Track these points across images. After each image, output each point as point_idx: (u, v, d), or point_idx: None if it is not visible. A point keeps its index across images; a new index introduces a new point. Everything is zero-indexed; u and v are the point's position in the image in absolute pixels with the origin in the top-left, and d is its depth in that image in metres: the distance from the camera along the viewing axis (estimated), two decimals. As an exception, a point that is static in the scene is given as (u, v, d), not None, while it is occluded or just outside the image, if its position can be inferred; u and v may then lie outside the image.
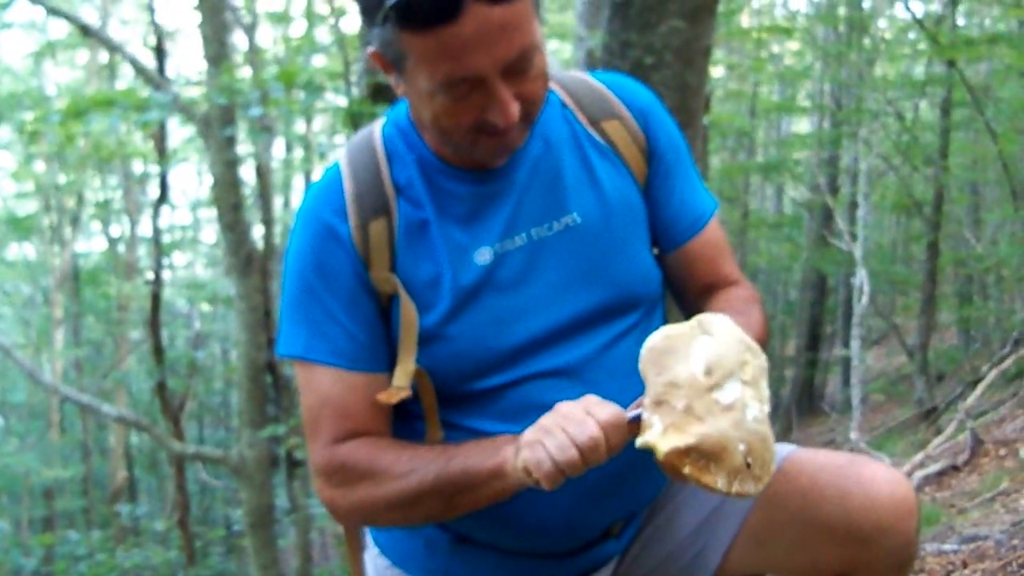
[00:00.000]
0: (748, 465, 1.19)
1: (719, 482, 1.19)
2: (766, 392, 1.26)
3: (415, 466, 1.35)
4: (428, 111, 1.30)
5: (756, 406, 1.22)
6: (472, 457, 1.32)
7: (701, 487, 1.20)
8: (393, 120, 1.47)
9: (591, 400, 1.27)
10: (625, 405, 1.29)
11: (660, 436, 1.19)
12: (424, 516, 1.40)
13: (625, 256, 1.47)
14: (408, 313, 1.39)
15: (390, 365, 1.42)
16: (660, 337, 1.25)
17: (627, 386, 1.39)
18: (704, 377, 1.20)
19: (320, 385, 1.41)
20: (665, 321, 1.55)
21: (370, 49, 1.32)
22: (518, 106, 1.28)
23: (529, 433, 1.26)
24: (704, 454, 1.18)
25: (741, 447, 1.19)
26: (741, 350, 1.25)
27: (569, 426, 1.23)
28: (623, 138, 1.49)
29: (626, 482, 1.42)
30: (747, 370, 1.24)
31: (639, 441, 1.21)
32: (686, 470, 1.18)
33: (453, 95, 1.26)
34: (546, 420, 1.26)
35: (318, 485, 1.44)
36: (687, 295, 1.58)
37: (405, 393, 1.39)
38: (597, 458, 1.23)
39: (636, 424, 1.24)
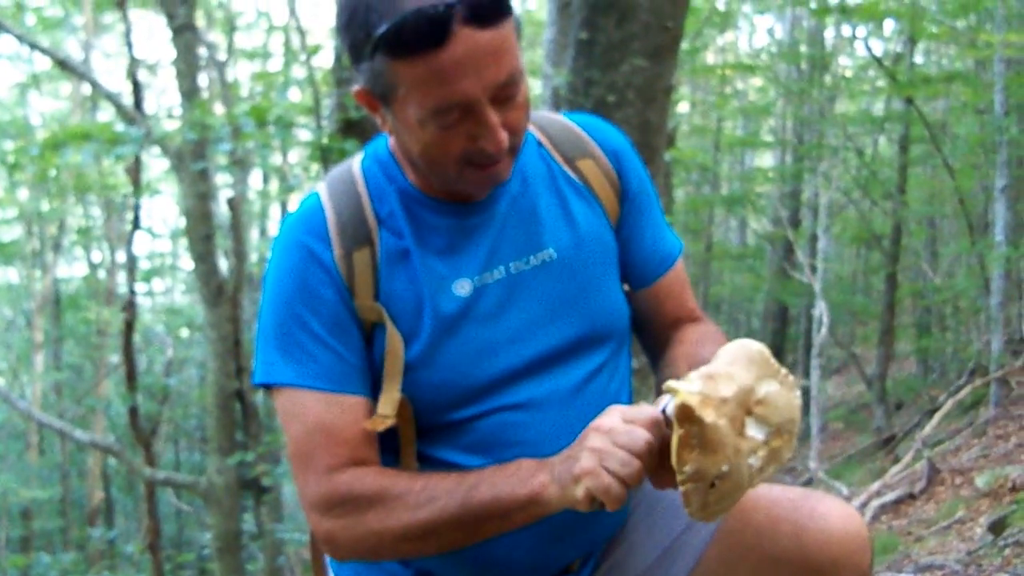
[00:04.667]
0: (713, 485, 1.19)
1: (687, 467, 1.18)
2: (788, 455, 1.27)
3: (434, 494, 1.30)
4: (417, 143, 1.30)
5: (758, 463, 1.23)
6: (499, 485, 1.28)
7: (675, 455, 1.18)
8: (372, 154, 1.46)
9: (619, 408, 1.25)
10: None
11: (689, 392, 1.18)
12: (440, 546, 1.34)
13: (598, 291, 1.48)
14: (394, 341, 1.37)
15: (373, 393, 1.39)
16: (764, 349, 1.25)
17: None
18: (755, 404, 1.21)
19: (310, 412, 1.35)
20: (630, 356, 1.59)
21: (355, 88, 1.32)
22: (506, 134, 1.29)
23: (586, 460, 1.21)
24: (702, 439, 1.17)
25: (724, 467, 1.18)
26: (792, 414, 1.24)
27: (619, 438, 1.20)
28: (597, 177, 1.50)
29: (586, 519, 1.38)
30: (778, 437, 1.24)
31: (669, 381, 1.22)
32: (680, 430, 1.18)
33: (443, 123, 1.26)
34: (593, 441, 1.22)
35: (314, 520, 1.35)
36: (654, 330, 1.60)
37: (391, 422, 1.36)
38: (652, 462, 1.21)
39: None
